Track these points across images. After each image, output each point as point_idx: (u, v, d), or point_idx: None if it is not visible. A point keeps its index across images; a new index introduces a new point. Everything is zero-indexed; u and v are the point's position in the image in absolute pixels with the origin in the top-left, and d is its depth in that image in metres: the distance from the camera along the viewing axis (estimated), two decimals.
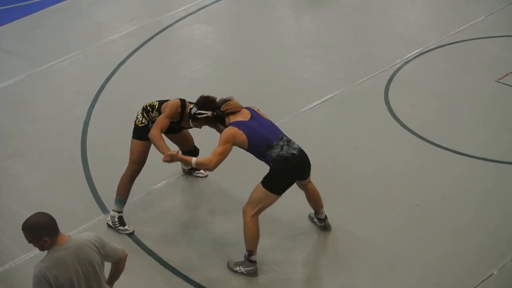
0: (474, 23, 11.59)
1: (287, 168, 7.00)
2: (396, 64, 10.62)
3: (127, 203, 7.97)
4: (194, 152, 8.16)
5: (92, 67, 10.80)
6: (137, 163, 7.68)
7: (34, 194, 8.41)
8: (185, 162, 7.03)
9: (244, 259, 7.29)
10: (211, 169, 6.89)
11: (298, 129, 9.14)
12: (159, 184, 8.46)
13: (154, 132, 7.29)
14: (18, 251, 7.56)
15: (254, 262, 7.27)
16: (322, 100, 9.92)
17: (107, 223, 7.85)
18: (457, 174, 8.58)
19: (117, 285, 7.28)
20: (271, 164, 7.01)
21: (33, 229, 5.04)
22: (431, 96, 9.99)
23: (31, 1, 12.50)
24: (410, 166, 8.70)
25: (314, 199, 7.61)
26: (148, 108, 7.58)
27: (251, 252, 7.22)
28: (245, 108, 7.27)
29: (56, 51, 11.13)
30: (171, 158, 6.94)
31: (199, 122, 7.29)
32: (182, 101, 7.49)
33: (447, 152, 8.90)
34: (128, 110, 9.20)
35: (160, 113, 7.50)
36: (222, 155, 6.88)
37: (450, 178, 8.52)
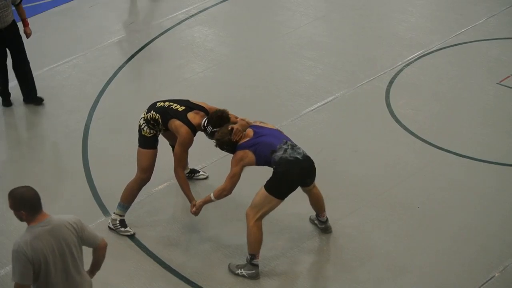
0: (476, 25, 11.58)
1: (290, 172, 7.03)
2: (397, 66, 10.61)
3: None
4: None
5: (93, 70, 10.80)
6: (147, 172, 7.67)
7: None
8: (206, 203, 7.45)
9: (246, 262, 7.29)
10: (228, 194, 7.29)
11: (299, 131, 9.14)
12: (160, 186, 8.45)
13: (181, 175, 7.53)
14: None
15: (256, 265, 7.27)
16: (323, 102, 9.92)
17: (108, 226, 7.84)
18: (458, 176, 8.57)
19: (118, 287, 7.30)
20: (274, 166, 7.07)
21: (15, 199, 5.30)
22: (432, 98, 9.99)
23: (32, 4, 12.49)
24: (411, 168, 8.70)
25: (317, 204, 7.63)
26: (151, 121, 7.55)
27: (253, 255, 7.22)
28: (250, 127, 7.40)
29: (56, 54, 11.13)
30: (199, 210, 7.50)
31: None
32: (191, 127, 7.45)
33: (448, 154, 8.90)
34: (130, 113, 9.22)
35: (166, 127, 7.53)
36: (235, 177, 7.20)
37: (451, 180, 8.52)
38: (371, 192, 8.32)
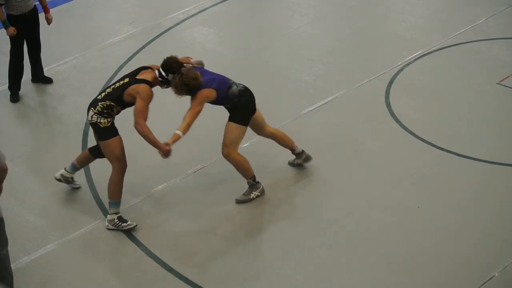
0: (475, 25, 11.58)
1: (250, 98, 7.85)
2: (397, 66, 10.61)
3: (127, 206, 7.99)
4: None
5: (92, 70, 10.80)
6: (122, 159, 7.71)
7: (35, 197, 8.42)
8: (175, 141, 7.51)
9: (250, 186, 8.01)
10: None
11: (298, 131, 9.13)
12: (160, 186, 8.45)
13: (143, 124, 7.47)
14: (19, 253, 7.57)
15: (258, 182, 8.05)
16: (322, 102, 9.92)
17: (107, 228, 7.82)
18: (458, 176, 8.58)
19: (118, 287, 7.30)
20: (235, 100, 7.67)
21: None
22: (432, 98, 9.99)
23: None
24: (410, 168, 8.70)
25: (283, 139, 8.29)
26: (105, 111, 7.58)
27: (253, 177, 8.00)
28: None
29: (56, 54, 11.12)
30: (169, 152, 7.53)
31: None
32: (148, 83, 7.57)
33: (448, 154, 8.90)
34: (129, 113, 9.20)
35: (122, 104, 7.60)
36: (198, 114, 7.57)
37: (451, 180, 8.52)
38: (371, 192, 8.32)
